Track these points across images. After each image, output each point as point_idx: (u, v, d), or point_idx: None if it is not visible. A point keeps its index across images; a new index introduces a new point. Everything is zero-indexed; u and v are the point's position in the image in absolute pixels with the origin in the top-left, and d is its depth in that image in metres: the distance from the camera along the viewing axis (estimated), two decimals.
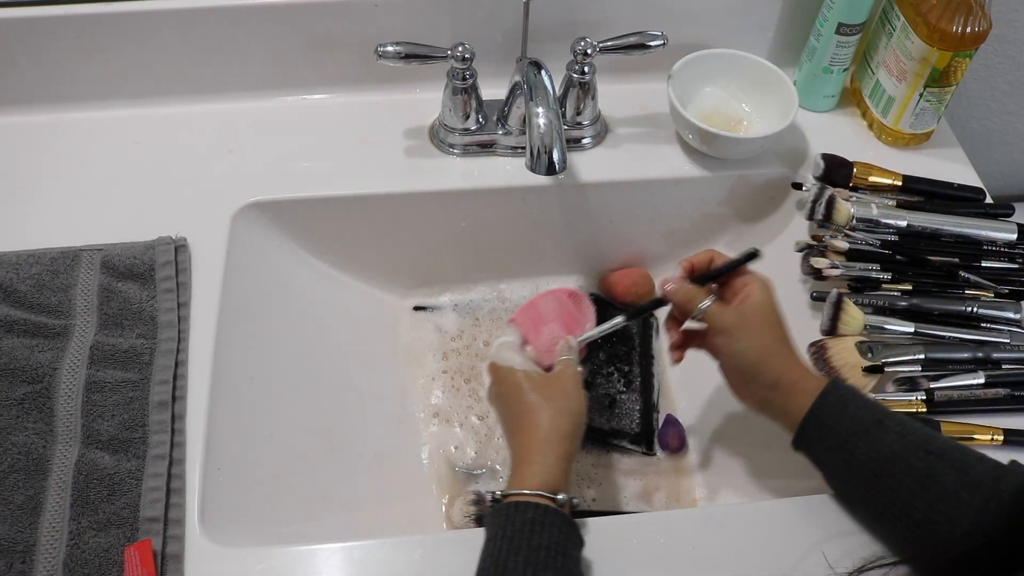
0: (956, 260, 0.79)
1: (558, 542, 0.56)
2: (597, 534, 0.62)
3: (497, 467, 0.81)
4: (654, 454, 0.83)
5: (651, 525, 0.64)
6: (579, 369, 0.69)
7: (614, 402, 0.85)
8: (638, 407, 0.85)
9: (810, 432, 0.61)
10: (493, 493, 0.61)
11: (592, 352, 0.88)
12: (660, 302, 0.70)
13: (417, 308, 0.92)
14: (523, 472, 0.61)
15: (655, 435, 0.84)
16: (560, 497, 0.59)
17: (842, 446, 0.60)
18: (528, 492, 0.59)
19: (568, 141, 0.87)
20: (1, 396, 0.67)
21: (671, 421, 0.85)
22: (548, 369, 0.70)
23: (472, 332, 0.90)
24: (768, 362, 0.64)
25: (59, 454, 0.65)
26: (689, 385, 0.87)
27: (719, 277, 0.68)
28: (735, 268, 0.68)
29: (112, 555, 0.61)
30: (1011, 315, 0.75)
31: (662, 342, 0.91)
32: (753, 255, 0.68)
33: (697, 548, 0.63)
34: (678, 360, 0.72)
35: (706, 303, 0.66)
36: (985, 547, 0.54)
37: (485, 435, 0.83)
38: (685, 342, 0.70)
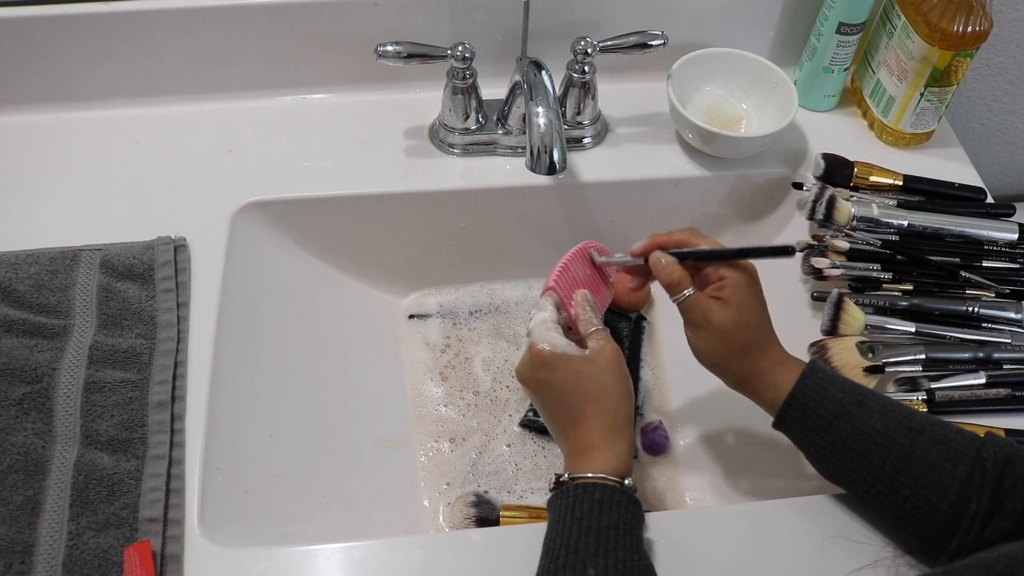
0: (957, 260, 0.79)
1: (626, 521, 0.57)
2: None
3: (497, 467, 0.81)
4: (635, 457, 0.83)
5: (651, 525, 0.64)
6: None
7: None
8: None
9: (792, 415, 0.62)
10: (559, 475, 0.60)
11: None
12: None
13: (412, 316, 0.91)
14: (592, 456, 0.60)
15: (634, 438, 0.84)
16: (628, 482, 0.59)
17: (826, 428, 0.60)
18: (592, 475, 0.59)
19: (568, 141, 0.87)
20: (0, 396, 0.67)
21: (647, 426, 0.84)
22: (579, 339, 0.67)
23: (469, 332, 0.90)
24: (729, 365, 0.65)
25: (58, 454, 0.65)
26: (686, 386, 0.87)
27: (709, 263, 0.65)
28: (725, 259, 0.65)
29: (111, 555, 0.61)
30: (1012, 315, 0.75)
31: (654, 345, 0.91)
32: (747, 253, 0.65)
33: (697, 549, 0.63)
34: (637, 288, 0.71)
35: (687, 292, 0.65)
36: (972, 516, 0.55)
37: (485, 435, 0.83)
38: (644, 284, 0.71)
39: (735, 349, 0.64)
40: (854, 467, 0.60)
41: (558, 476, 0.61)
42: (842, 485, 0.62)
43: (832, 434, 0.60)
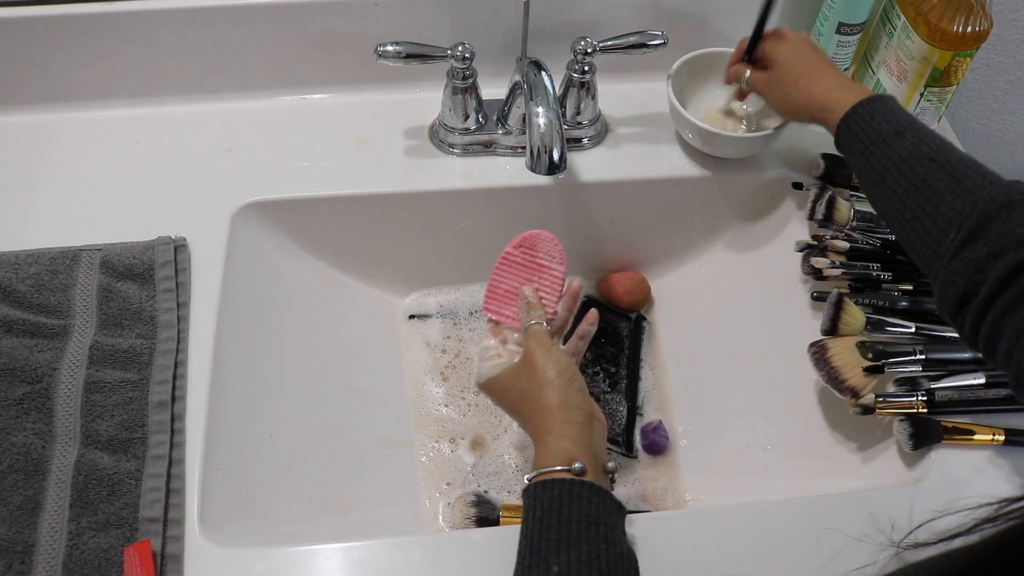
0: None
1: (589, 512, 0.56)
2: None
3: (497, 467, 0.81)
4: (635, 456, 0.83)
5: (651, 525, 0.64)
6: (544, 326, 0.67)
7: (597, 401, 0.85)
8: (623, 408, 0.85)
9: (842, 138, 0.69)
10: (525, 478, 0.60)
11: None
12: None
13: (412, 317, 0.91)
14: (540, 453, 0.60)
15: (634, 438, 0.84)
16: (576, 466, 0.58)
17: (863, 152, 0.66)
18: (546, 470, 0.58)
19: (568, 141, 0.87)
20: (0, 396, 0.67)
21: (647, 426, 0.85)
22: None
23: (469, 333, 0.90)
24: (801, 107, 0.73)
25: (58, 454, 0.65)
26: (686, 387, 0.87)
27: (755, 48, 0.79)
28: (758, 36, 0.79)
29: (112, 555, 0.61)
30: None
31: (654, 345, 0.91)
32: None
33: (697, 549, 0.63)
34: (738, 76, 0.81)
35: (745, 75, 0.79)
36: (948, 245, 0.58)
37: (485, 434, 0.83)
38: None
39: (803, 85, 0.73)
40: (877, 190, 0.65)
41: (527, 478, 0.61)
42: (875, 206, 0.67)
43: (866, 158, 0.66)
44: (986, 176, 0.60)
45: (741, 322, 0.87)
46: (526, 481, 0.60)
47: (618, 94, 0.91)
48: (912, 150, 0.63)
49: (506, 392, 0.66)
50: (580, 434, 0.61)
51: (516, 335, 0.69)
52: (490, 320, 0.71)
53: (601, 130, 0.89)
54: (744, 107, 0.85)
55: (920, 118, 0.85)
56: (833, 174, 0.84)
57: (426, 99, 0.88)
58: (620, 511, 0.58)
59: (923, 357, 0.72)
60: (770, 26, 0.92)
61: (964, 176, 0.60)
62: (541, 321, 0.67)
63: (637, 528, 0.64)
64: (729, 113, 0.86)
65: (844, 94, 0.70)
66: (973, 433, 0.68)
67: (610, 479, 0.61)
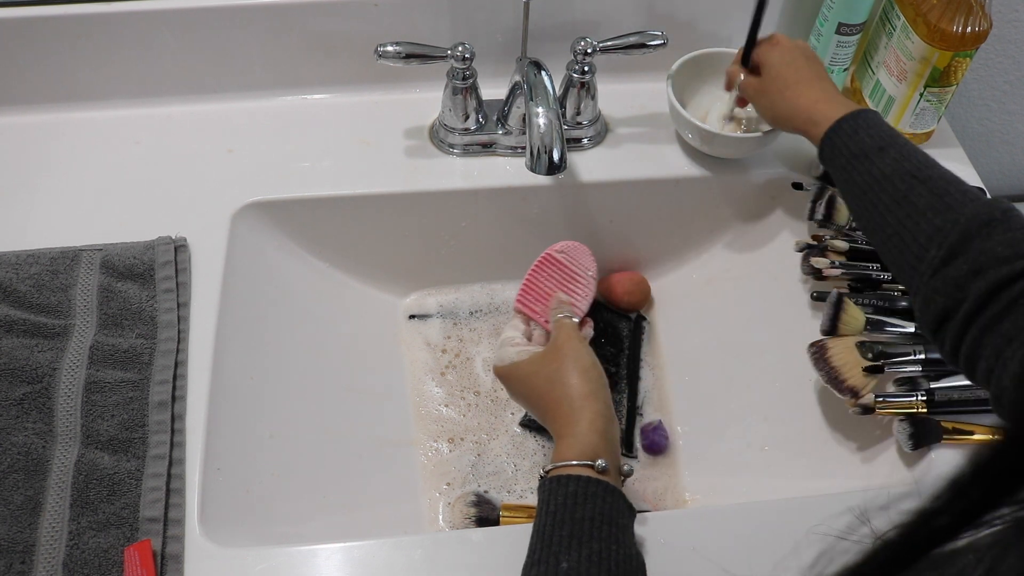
0: None
1: (603, 512, 0.56)
2: None
3: (497, 467, 0.81)
4: (635, 456, 0.83)
5: (650, 525, 0.64)
6: (574, 320, 0.68)
7: None
8: (622, 408, 0.85)
9: (825, 152, 0.68)
10: (542, 470, 0.60)
11: None
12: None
13: (412, 317, 0.91)
14: (560, 447, 0.60)
15: (635, 438, 0.84)
16: (598, 463, 0.58)
17: (844, 167, 0.66)
18: (564, 464, 0.58)
19: (568, 141, 0.87)
20: (1, 396, 0.67)
21: (647, 426, 0.85)
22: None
23: (469, 333, 0.90)
24: (786, 117, 0.73)
25: (59, 454, 0.65)
26: (686, 387, 0.87)
27: (749, 52, 0.79)
28: (752, 41, 0.79)
29: (112, 555, 0.61)
30: None
31: (654, 345, 0.91)
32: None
33: (697, 549, 0.63)
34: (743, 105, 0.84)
35: (738, 80, 0.80)
36: (930, 261, 0.57)
37: (485, 434, 0.83)
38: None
39: (791, 95, 0.72)
40: (859, 204, 0.64)
41: (542, 470, 0.61)
42: (856, 221, 0.70)
43: (849, 173, 0.65)
44: (967, 193, 0.59)
45: (741, 322, 0.87)
46: (543, 473, 0.60)
47: (618, 94, 0.91)
48: (894, 166, 0.62)
49: (529, 378, 0.65)
50: (606, 429, 0.61)
51: (541, 333, 0.70)
52: (520, 312, 0.72)
53: (601, 130, 0.89)
54: (747, 112, 0.85)
55: (920, 118, 0.86)
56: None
57: (426, 99, 0.88)
58: (631, 513, 0.59)
59: (923, 357, 0.72)
60: (768, 30, 0.93)
61: (945, 193, 0.59)
62: (571, 316, 0.68)
63: (637, 528, 0.64)
64: (732, 119, 0.85)
65: (829, 107, 0.69)
66: (973, 433, 0.68)
67: (622, 481, 0.60)
